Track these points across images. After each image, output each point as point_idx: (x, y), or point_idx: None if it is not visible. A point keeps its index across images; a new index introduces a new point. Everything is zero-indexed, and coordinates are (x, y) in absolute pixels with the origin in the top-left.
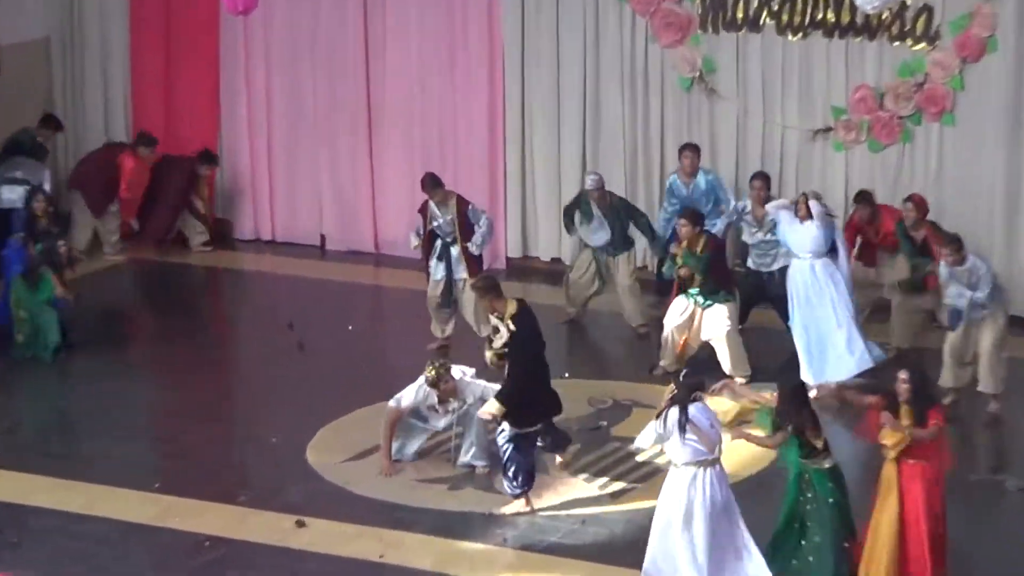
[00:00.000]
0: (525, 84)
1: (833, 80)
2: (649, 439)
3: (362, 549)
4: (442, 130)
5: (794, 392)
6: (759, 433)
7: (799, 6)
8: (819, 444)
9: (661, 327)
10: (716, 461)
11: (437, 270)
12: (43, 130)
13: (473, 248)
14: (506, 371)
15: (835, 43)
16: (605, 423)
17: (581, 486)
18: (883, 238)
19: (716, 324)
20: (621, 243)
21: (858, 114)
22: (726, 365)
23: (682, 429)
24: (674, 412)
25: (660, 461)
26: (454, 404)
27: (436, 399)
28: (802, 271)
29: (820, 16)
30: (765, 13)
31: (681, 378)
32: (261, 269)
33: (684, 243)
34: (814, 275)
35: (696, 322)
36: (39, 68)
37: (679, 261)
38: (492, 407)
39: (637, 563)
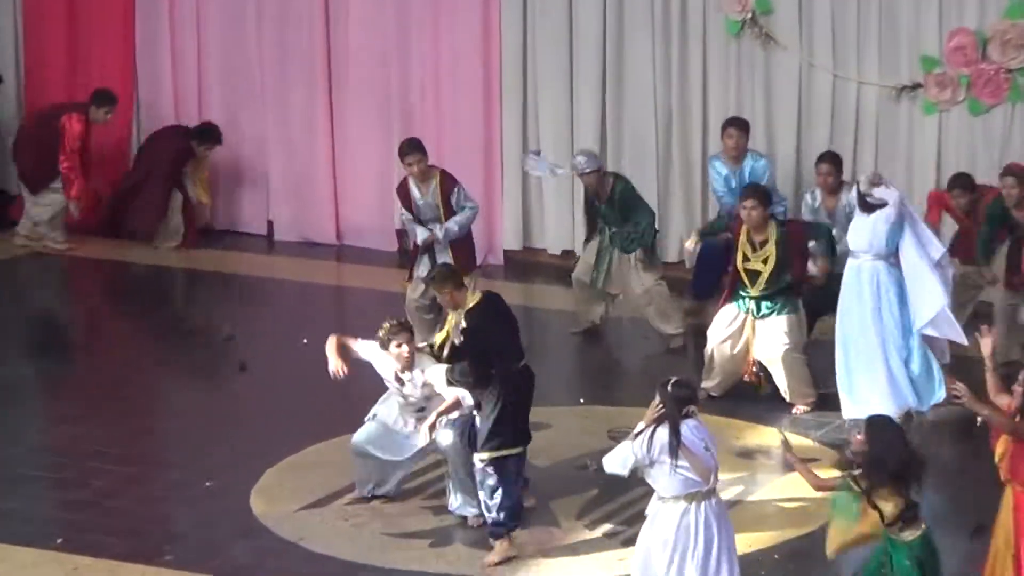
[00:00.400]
0: (527, 30)
1: (923, 24)
2: (619, 463)
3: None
4: (423, 90)
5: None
6: (823, 474)
7: None
8: (889, 509)
9: (703, 340)
10: (712, 493)
11: (420, 266)
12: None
13: (438, 231)
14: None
15: None
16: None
17: (598, 543)
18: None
19: (774, 340)
20: (629, 239)
21: (955, 66)
22: (784, 390)
23: (674, 454)
24: (662, 432)
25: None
26: (414, 386)
27: (398, 366)
28: (855, 272)
29: None
30: None
31: (669, 388)
32: (193, 266)
33: (746, 233)
34: (872, 280)
35: (747, 335)
36: None
37: (741, 256)
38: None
39: None
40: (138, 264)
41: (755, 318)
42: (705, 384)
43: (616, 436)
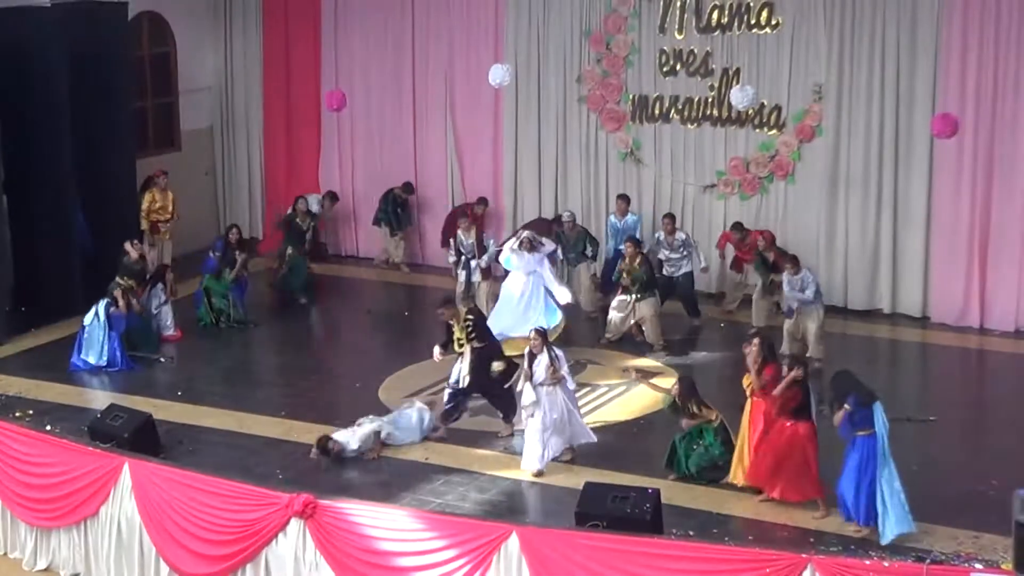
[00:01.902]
0: (518, 157)
1: (716, 153)
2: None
3: (413, 454)
4: (468, 195)
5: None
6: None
7: (694, 105)
8: (696, 411)
9: (606, 312)
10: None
11: (460, 275)
12: (326, 201)
13: (482, 262)
14: (474, 351)
15: (718, 130)
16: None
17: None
18: (748, 253)
19: (646, 311)
20: (581, 257)
21: (732, 175)
22: (650, 338)
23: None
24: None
25: (603, 400)
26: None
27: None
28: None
29: (708, 112)
30: (673, 110)
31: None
32: (343, 274)
33: (627, 259)
34: (527, 285)
35: (631, 309)
36: (206, 147)
37: (626, 270)
38: (499, 365)
39: (589, 463)
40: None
41: (636, 300)
42: (607, 335)
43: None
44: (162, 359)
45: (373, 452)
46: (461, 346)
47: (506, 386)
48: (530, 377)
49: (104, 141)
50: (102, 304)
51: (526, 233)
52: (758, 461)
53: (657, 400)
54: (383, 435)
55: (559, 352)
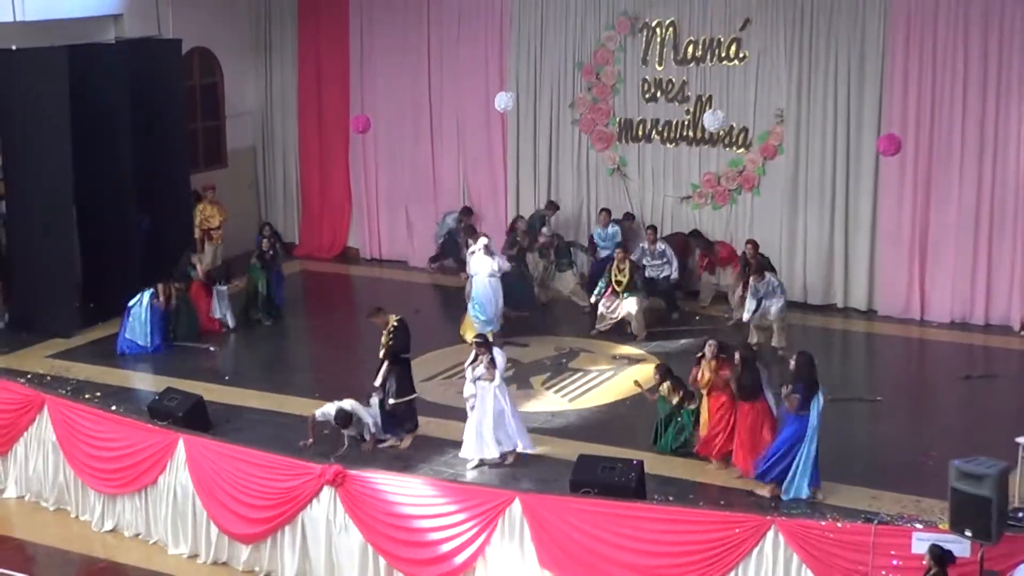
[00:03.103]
0: (519, 172)
1: (691, 168)
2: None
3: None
4: (471, 196)
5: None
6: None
7: (673, 128)
8: (671, 393)
9: (596, 308)
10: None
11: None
12: (463, 217)
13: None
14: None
15: (693, 148)
16: (565, 360)
17: (551, 396)
18: (720, 258)
19: (631, 306)
20: (567, 265)
21: (706, 188)
22: (635, 329)
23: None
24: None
25: (595, 383)
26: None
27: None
28: (485, 282)
29: (685, 133)
30: (654, 132)
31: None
32: (373, 275)
33: (617, 263)
34: (489, 287)
35: (618, 304)
36: (249, 164)
37: (615, 273)
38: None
39: (582, 438)
40: (344, 275)
41: (623, 298)
42: (598, 327)
43: (558, 350)
44: (210, 348)
45: (368, 445)
46: (385, 353)
47: (394, 402)
48: (471, 374)
49: (161, 159)
50: (147, 293)
51: (484, 240)
52: (711, 437)
53: (646, 380)
54: (372, 426)
55: (501, 356)
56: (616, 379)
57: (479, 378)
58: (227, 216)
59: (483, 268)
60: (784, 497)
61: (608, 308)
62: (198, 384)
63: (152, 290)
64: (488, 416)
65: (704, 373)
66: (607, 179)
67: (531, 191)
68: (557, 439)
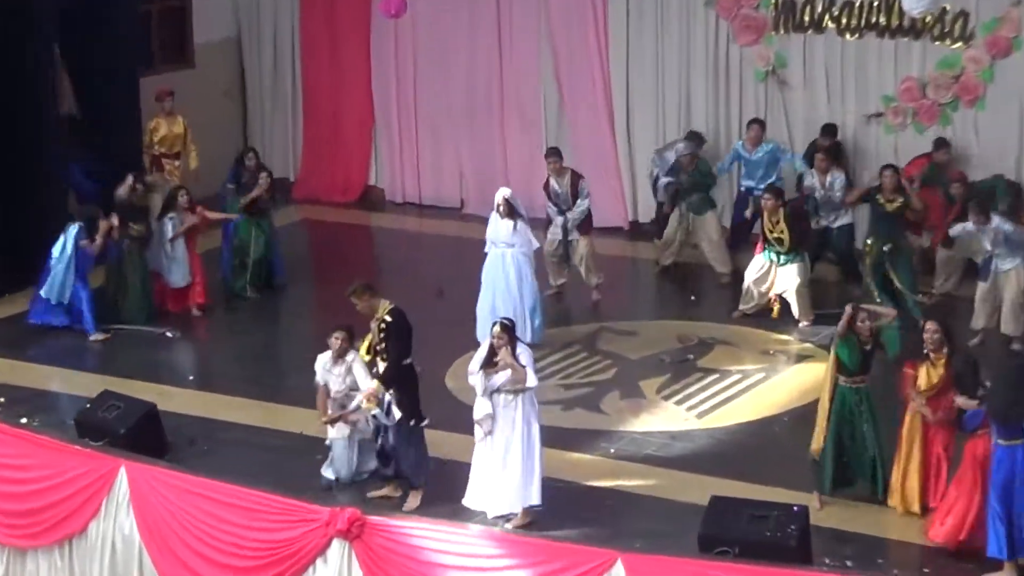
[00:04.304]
0: (629, 76)
1: (884, 73)
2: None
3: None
4: (560, 117)
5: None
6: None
7: (855, 11)
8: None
9: (741, 278)
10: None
11: (555, 231)
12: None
13: (572, 214)
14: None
15: (886, 42)
16: (692, 356)
17: (671, 409)
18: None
19: (789, 279)
20: (707, 204)
21: (905, 101)
22: (796, 313)
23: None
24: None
25: (735, 390)
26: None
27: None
28: (498, 257)
29: (873, 19)
30: (827, 17)
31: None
32: (406, 228)
33: (767, 216)
34: (504, 261)
35: (772, 277)
36: (228, 63)
37: (769, 227)
38: (372, 385)
39: (717, 471)
40: (357, 226)
41: (777, 265)
42: (742, 307)
43: (683, 340)
44: (168, 333)
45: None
46: (371, 356)
47: (412, 424)
48: (485, 382)
49: (101, 54)
50: (72, 231)
51: (505, 192)
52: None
53: (815, 386)
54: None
55: (528, 353)
56: (769, 385)
57: (498, 389)
58: (191, 138)
59: (499, 235)
60: None
61: (758, 278)
62: (149, 386)
63: (79, 225)
64: (516, 446)
65: (929, 375)
66: (756, 86)
67: (650, 103)
68: (678, 472)
